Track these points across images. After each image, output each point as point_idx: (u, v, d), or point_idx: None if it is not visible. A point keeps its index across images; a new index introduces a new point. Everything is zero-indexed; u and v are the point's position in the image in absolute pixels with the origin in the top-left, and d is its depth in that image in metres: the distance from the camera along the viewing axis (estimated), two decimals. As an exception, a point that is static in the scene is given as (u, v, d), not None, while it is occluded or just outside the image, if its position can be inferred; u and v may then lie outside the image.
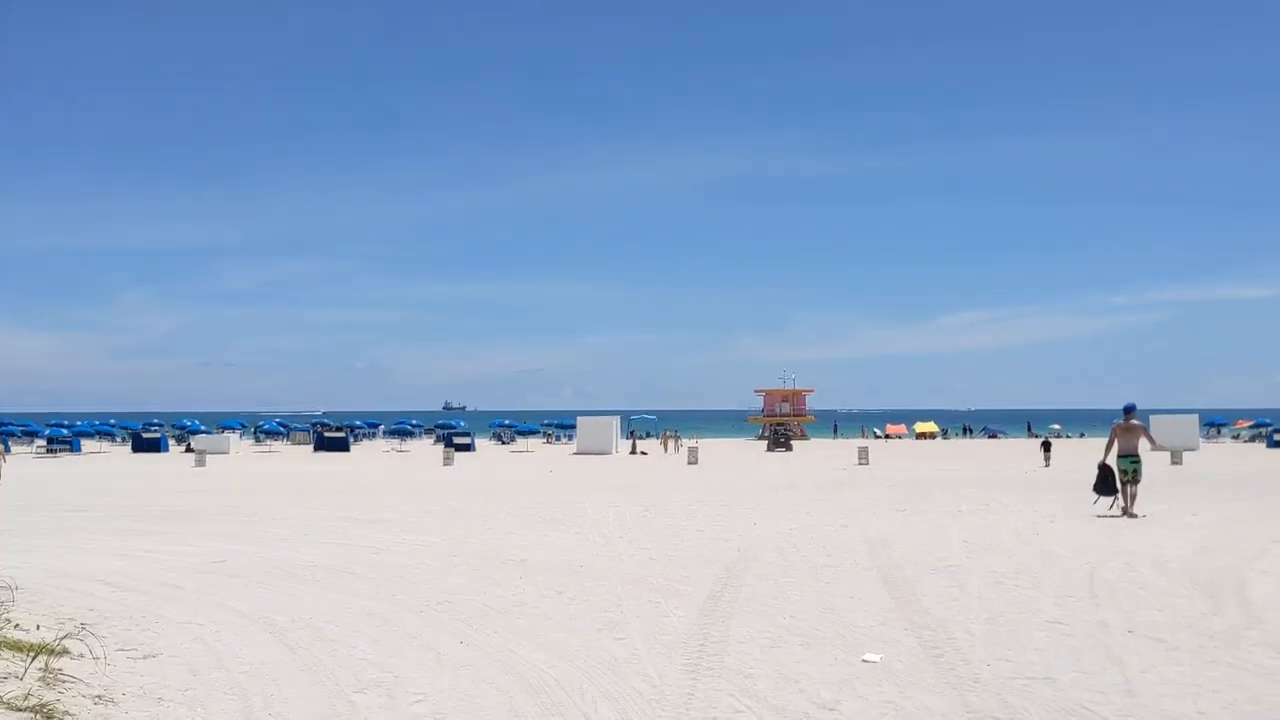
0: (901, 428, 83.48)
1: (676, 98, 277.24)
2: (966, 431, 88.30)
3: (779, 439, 65.64)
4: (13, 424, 69.92)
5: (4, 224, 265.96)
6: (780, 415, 79.36)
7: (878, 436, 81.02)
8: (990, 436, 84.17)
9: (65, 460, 55.36)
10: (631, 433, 70.04)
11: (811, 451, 61.51)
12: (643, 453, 60.15)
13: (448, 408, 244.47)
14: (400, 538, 17.34)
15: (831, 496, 25.71)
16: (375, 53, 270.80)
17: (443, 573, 13.30)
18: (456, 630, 9.62)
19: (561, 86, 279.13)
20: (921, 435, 78.19)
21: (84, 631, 10.39)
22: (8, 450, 54.98)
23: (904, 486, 29.46)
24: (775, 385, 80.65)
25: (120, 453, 62.78)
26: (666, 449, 60.66)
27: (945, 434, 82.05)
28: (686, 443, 63.75)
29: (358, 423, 79.01)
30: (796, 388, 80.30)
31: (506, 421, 79.15)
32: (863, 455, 47.86)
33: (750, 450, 64.51)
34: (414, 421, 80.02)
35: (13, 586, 13.08)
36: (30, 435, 65.37)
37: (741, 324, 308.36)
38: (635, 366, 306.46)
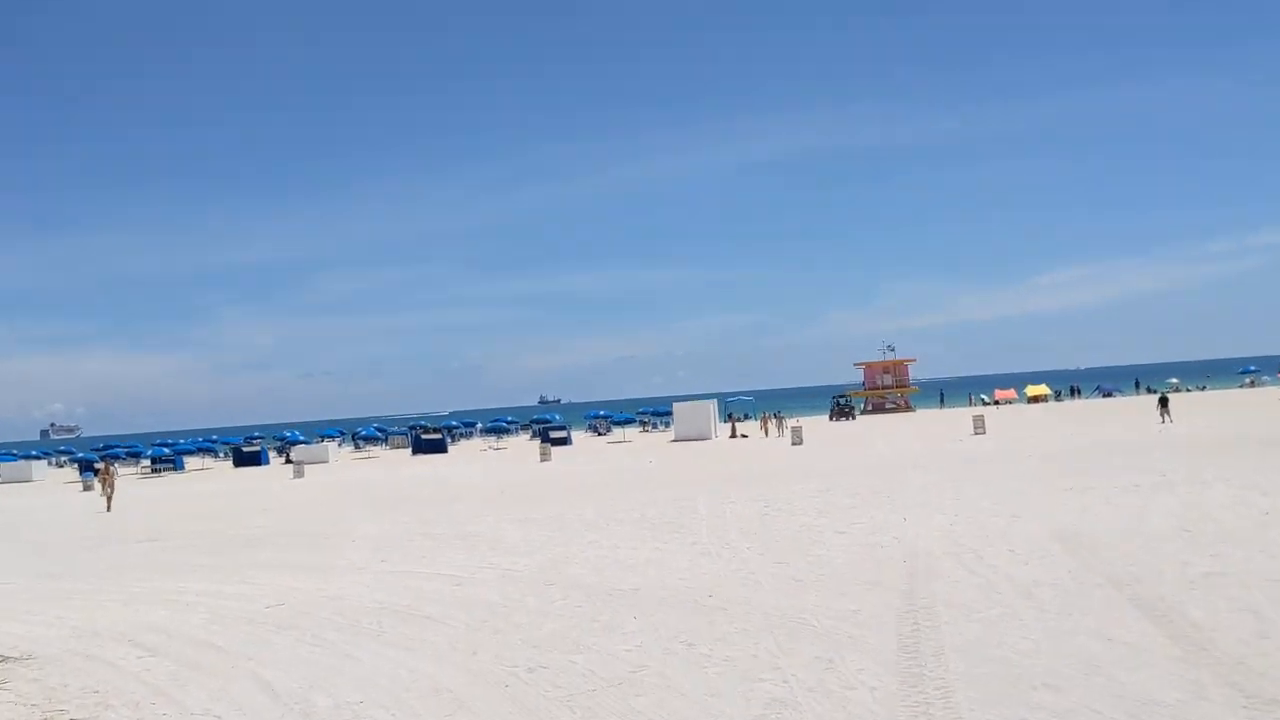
0: (1011, 392, 78.60)
1: (747, 75, 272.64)
2: (1075, 392, 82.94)
3: (842, 410, 69.72)
4: (119, 446, 69.19)
5: (111, 251, 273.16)
6: (883, 388, 75.17)
7: (986, 403, 76.46)
8: (1105, 395, 78.90)
9: (168, 479, 54.05)
10: (729, 415, 66.70)
11: (921, 423, 57.58)
12: (743, 435, 56.89)
13: (543, 401, 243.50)
14: (488, 560, 14.40)
15: (972, 476, 22.21)
16: (446, 60, 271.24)
17: (537, 614, 10.30)
18: (555, 720, 6.61)
19: (629, 74, 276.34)
20: (1034, 399, 73.34)
21: (68, 732, 7.72)
22: (115, 472, 53.77)
23: (1045, 458, 25.81)
24: (874, 357, 76.46)
25: (223, 468, 61.43)
26: (766, 431, 57.01)
27: (1057, 396, 77.10)
28: (789, 422, 60.28)
29: (454, 423, 77.00)
30: (898, 358, 76.02)
31: (602, 412, 76.36)
32: (978, 424, 44.05)
33: (850, 426, 60.82)
34: (510, 418, 77.63)
35: (24, 656, 10.51)
36: (135, 456, 64.42)
37: (831, 299, 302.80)
38: (727, 349, 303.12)
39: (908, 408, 74.82)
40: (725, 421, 62.50)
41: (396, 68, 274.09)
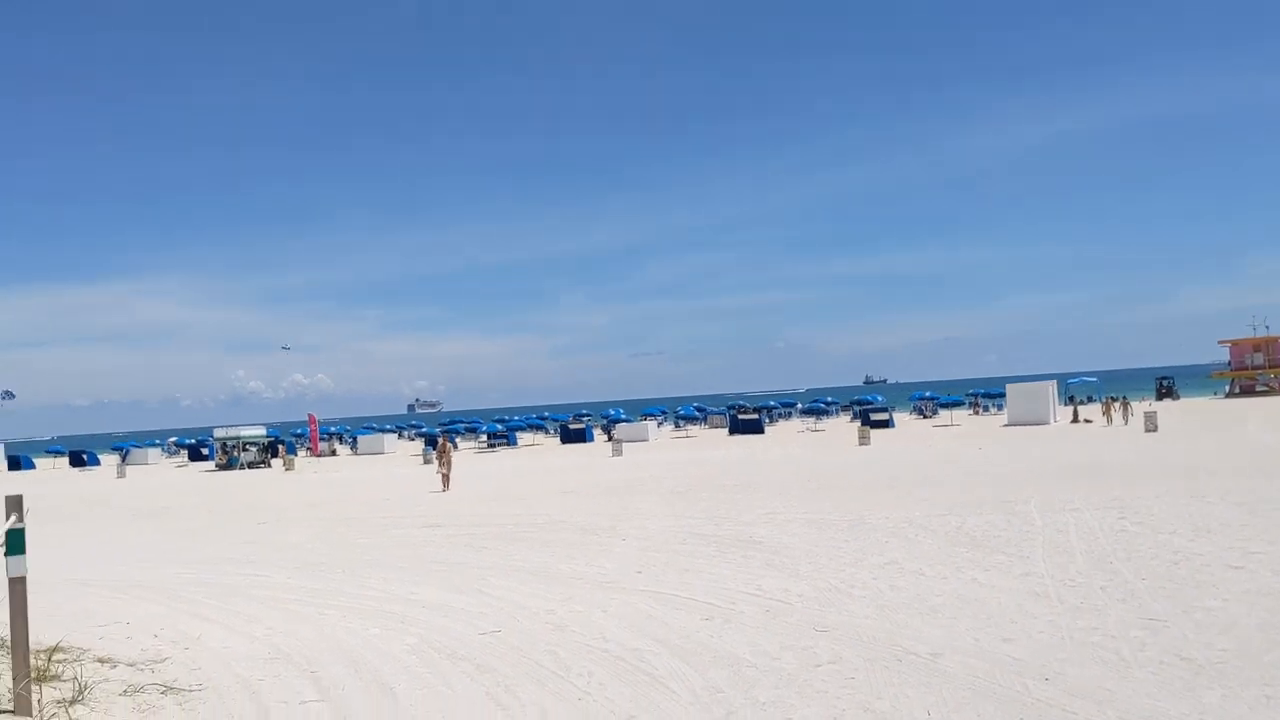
0: None
1: (1080, 37, 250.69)
2: None
3: (1166, 390, 69.45)
4: (460, 422, 72.04)
5: (464, 243, 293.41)
6: (1253, 368, 65.00)
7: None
8: None
9: (500, 454, 55.03)
10: (1070, 398, 59.79)
11: (1305, 410, 48.78)
12: (1085, 420, 50.50)
13: (868, 382, 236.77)
14: (757, 582, 11.40)
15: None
16: (760, 40, 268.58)
17: (789, 685, 7.18)
18: None
19: (951, 47, 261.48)
20: None
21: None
22: (455, 447, 55.56)
23: None
24: (1243, 334, 66.19)
25: (551, 444, 62.20)
26: (1110, 417, 49.84)
27: None
28: (1138, 407, 52.99)
29: (772, 403, 74.46)
30: (1271, 334, 65.33)
31: (928, 393, 71.22)
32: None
33: (1213, 411, 52.55)
34: (829, 399, 74.15)
35: (193, 687, 8.68)
36: (474, 432, 66.70)
37: (1184, 273, 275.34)
38: (1067, 328, 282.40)
39: (1287, 389, 64.47)
40: (1066, 404, 55.93)
41: (706, 59, 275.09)
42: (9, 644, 7.51)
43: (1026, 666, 7.24)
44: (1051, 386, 52.92)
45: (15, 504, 7.44)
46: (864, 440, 42.32)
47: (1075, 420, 50.43)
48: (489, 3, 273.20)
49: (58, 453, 75.51)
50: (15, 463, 69.10)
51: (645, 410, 74.47)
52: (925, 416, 65.96)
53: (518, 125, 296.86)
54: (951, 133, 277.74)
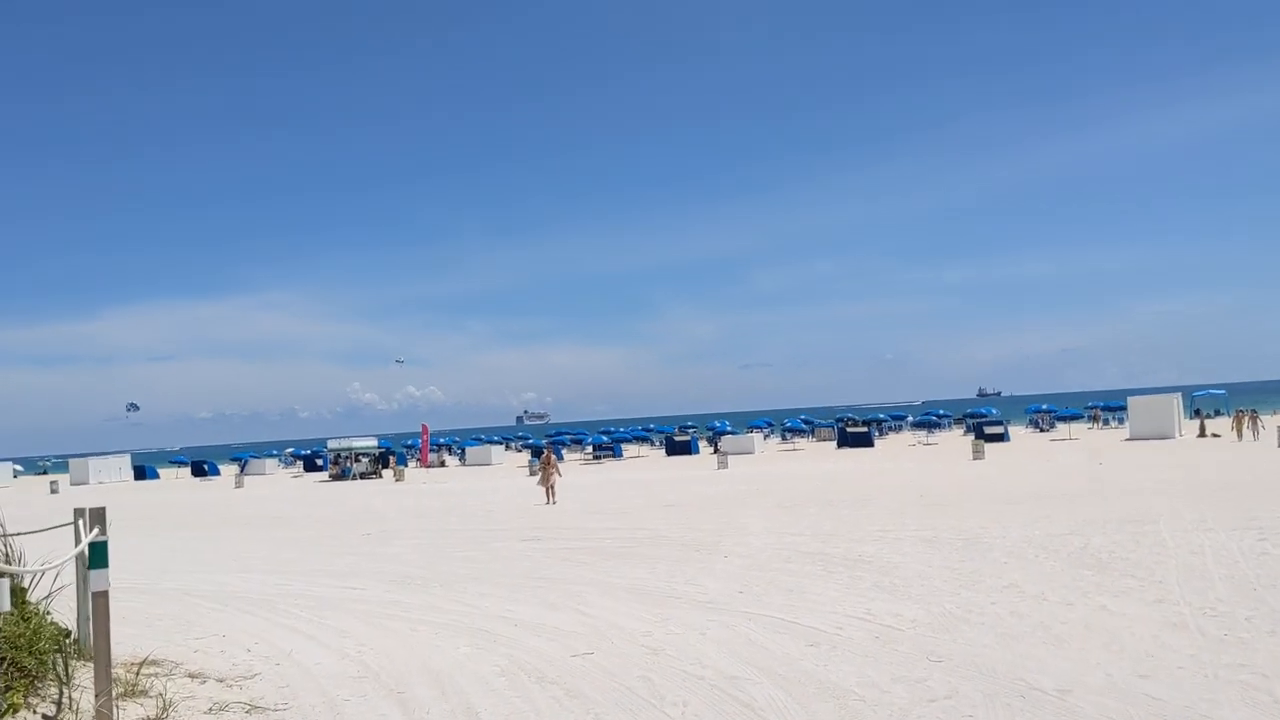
0: None
1: (1213, 34, 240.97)
2: None
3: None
4: (566, 433, 72.29)
5: (571, 254, 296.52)
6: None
7: None
8: None
9: (605, 467, 54.91)
10: (1197, 411, 56.98)
11: None
12: (1213, 435, 48.00)
13: (981, 394, 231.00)
14: (866, 605, 10.73)
15: None
16: (870, 45, 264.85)
17: (901, 723, 6.61)
18: None
19: (1076, 39, 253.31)
20: None
21: None
22: (561, 459, 55.70)
23: None
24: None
25: (656, 456, 61.84)
26: (1240, 432, 46.91)
27: None
28: (1269, 420, 50.15)
29: (882, 415, 72.86)
30: None
31: (1045, 406, 68.78)
32: None
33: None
34: (941, 412, 72.22)
35: (279, 706, 8.44)
36: (578, 443, 66.80)
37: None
38: (1193, 336, 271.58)
39: None
40: (1192, 418, 53.34)
41: (812, 70, 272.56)
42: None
43: (1168, 707, 6.49)
44: (1176, 399, 50.51)
45: (99, 517, 7.29)
46: (978, 454, 40.92)
47: (1202, 434, 47.98)
48: (588, 17, 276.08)
49: (181, 463, 78.36)
50: (141, 473, 71.79)
51: (751, 422, 73.50)
52: (1042, 430, 63.71)
53: (625, 137, 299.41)
54: (1069, 135, 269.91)
